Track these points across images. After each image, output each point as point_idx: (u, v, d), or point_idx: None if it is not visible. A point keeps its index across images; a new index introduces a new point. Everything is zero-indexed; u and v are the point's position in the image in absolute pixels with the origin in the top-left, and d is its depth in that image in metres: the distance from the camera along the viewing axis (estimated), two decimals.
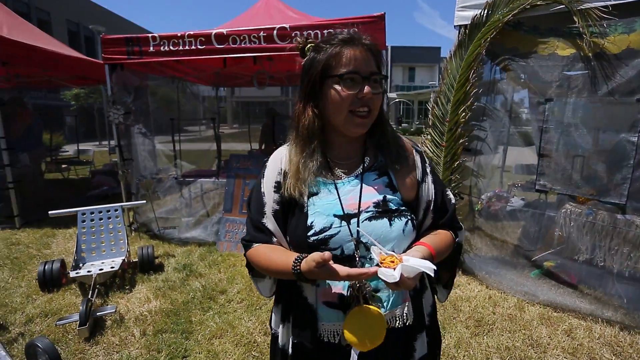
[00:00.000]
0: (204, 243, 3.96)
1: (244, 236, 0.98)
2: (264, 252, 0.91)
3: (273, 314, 1.02)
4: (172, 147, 4.90)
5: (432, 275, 0.73)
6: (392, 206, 0.88)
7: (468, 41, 2.99)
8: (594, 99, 2.66)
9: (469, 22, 2.97)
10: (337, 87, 0.83)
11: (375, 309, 0.82)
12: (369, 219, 0.86)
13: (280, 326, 0.97)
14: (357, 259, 0.85)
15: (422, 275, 0.96)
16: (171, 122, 4.90)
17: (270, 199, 0.92)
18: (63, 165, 7.29)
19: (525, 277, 2.97)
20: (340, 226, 0.85)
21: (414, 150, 0.97)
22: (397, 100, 29.95)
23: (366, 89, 0.82)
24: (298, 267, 0.80)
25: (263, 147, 6.02)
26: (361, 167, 0.92)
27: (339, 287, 0.87)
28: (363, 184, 0.89)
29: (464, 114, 3.00)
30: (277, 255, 0.88)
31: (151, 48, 3.72)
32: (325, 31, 3.46)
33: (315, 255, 0.76)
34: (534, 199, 3.39)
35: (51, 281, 2.87)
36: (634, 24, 2.39)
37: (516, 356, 2.16)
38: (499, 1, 2.81)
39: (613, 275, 2.58)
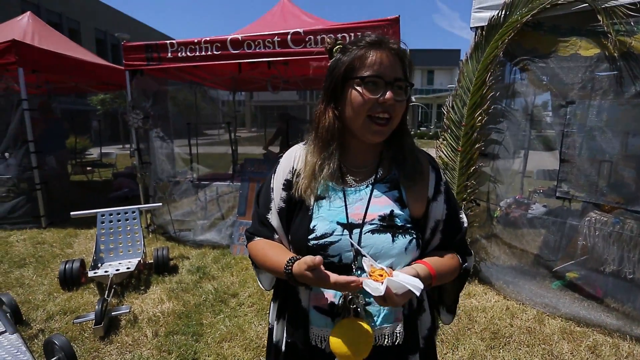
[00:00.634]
0: (218, 246, 4.01)
1: (248, 227, 0.99)
2: (262, 247, 0.92)
3: (271, 308, 1.03)
4: (189, 151, 5.00)
5: (417, 294, 0.70)
6: (399, 222, 0.85)
7: (485, 43, 2.91)
8: (621, 101, 2.52)
9: (486, 24, 2.89)
10: (359, 89, 0.81)
11: (364, 324, 0.80)
12: (372, 231, 0.84)
13: (276, 322, 0.98)
14: (354, 269, 0.83)
15: (421, 298, 0.93)
16: (187, 126, 5.01)
17: (277, 195, 0.92)
18: (88, 168, 7.60)
19: (545, 288, 2.84)
20: (342, 235, 0.83)
21: (430, 166, 0.93)
22: (414, 103, 29.56)
23: (388, 94, 0.79)
24: (290, 268, 0.80)
25: (271, 148, 6.04)
26: (373, 177, 0.89)
27: (331, 295, 0.86)
28: (372, 195, 0.87)
29: (480, 117, 2.91)
30: (273, 252, 0.88)
31: (169, 54, 3.82)
32: (339, 35, 3.45)
33: (307, 258, 0.75)
34: (557, 206, 3.25)
35: (71, 280, 2.98)
36: None
37: None
38: (518, 1, 2.72)
39: None
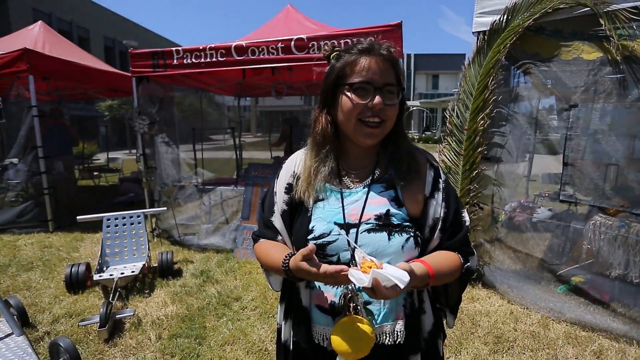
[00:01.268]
0: (222, 250, 4.03)
1: (254, 230, 1.04)
2: (265, 248, 0.96)
3: (279, 308, 1.05)
4: (194, 156, 5.06)
5: (401, 287, 0.70)
6: (395, 221, 0.86)
7: (487, 47, 2.92)
8: (624, 104, 2.51)
9: (488, 28, 2.90)
10: (349, 95, 0.84)
11: (365, 321, 0.81)
12: (368, 231, 0.86)
13: (284, 322, 1.01)
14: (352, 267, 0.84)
15: (422, 299, 0.93)
16: (192, 131, 5.07)
17: (280, 199, 0.96)
18: (95, 173, 7.70)
19: (550, 293, 2.81)
20: (339, 234, 0.86)
21: (427, 165, 0.94)
22: (416, 108, 29.54)
23: (377, 99, 0.82)
24: (287, 263, 0.83)
25: (276, 153, 6.08)
26: (370, 178, 0.91)
27: (331, 294, 0.88)
28: (369, 196, 0.89)
29: (482, 121, 2.91)
30: (275, 251, 0.92)
31: (175, 61, 3.89)
32: (342, 41, 3.49)
33: (302, 250, 0.78)
34: (563, 209, 3.22)
35: (77, 283, 3.02)
36: None
37: None
38: (519, 6, 2.74)
39: None
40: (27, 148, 4.75)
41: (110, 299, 2.59)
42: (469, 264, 0.91)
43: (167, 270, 3.32)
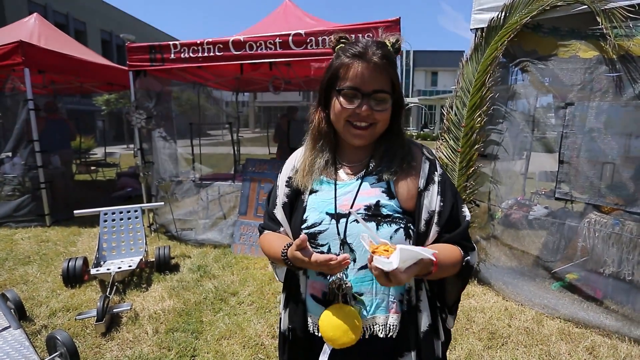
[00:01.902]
0: (219, 245, 4.04)
1: (261, 223, 1.09)
2: (268, 239, 1.01)
3: (281, 297, 1.08)
4: (191, 151, 5.05)
5: (433, 259, 0.71)
6: (385, 211, 0.87)
7: (485, 44, 2.92)
8: (620, 103, 2.52)
9: (486, 25, 2.90)
10: (339, 99, 0.88)
11: (352, 309, 0.83)
12: (357, 220, 0.86)
13: (283, 311, 1.03)
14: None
15: (418, 296, 0.92)
16: (190, 126, 5.05)
17: (282, 192, 1.01)
18: (92, 167, 7.67)
19: (545, 290, 2.84)
20: (330, 224, 0.89)
21: (422, 158, 0.94)
22: (415, 105, 29.52)
23: (363, 107, 0.85)
24: (285, 252, 0.88)
25: (277, 149, 6.02)
26: (364, 171, 0.93)
27: (323, 284, 0.90)
28: (361, 187, 0.91)
29: (479, 119, 2.92)
30: (277, 242, 0.96)
31: (172, 55, 3.87)
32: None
33: (296, 240, 0.81)
34: (558, 207, 3.24)
35: (74, 277, 3.02)
36: None
37: None
38: (517, 3, 2.73)
39: None
40: (22, 142, 4.72)
41: (107, 293, 2.59)
42: (468, 257, 0.90)
43: (164, 265, 3.32)
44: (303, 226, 0.92)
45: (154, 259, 3.35)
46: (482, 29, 2.95)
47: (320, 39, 3.47)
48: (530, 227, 3.18)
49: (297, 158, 1.02)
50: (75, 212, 3.20)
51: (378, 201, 0.88)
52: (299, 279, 0.96)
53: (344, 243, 0.87)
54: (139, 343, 2.32)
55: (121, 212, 3.37)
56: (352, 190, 0.91)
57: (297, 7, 5.14)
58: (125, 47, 4.08)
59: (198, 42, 3.77)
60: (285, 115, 6.12)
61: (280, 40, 3.57)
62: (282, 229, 1.00)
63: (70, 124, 6.29)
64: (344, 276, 0.86)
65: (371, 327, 0.88)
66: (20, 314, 2.49)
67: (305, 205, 0.93)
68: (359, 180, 0.92)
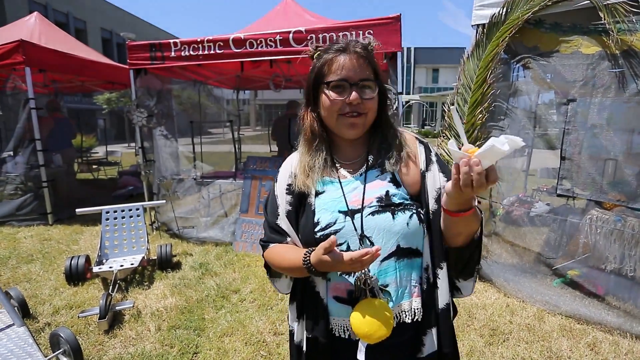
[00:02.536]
0: (220, 243, 4.05)
1: (261, 237, 1.04)
2: (278, 252, 0.96)
3: (289, 311, 1.06)
4: (192, 149, 5.05)
5: (522, 144, 0.66)
6: (396, 200, 0.89)
7: (486, 41, 2.91)
8: (622, 99, 2.51)
9: (487, 21, 2.89)
10: (328, 93, 0.89)
11: (382, 301, 0.84)
12: (372, 213, 0.88)
13: (296, 323, 1.01)
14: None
15: (435, 274, 0.91)
16: (191, 124, 5.06)
17: (283, 200, 0.98)
18: (93, 166, 7.69)
19: (546, 286, 2.84)
20: (345, 221, 0.89)
21: (417, 142, 0.97)
22: (416, 101, 29.43)
23: (353, 95, 0.86)
24: (308, 259, 0.85)
25: (276, 148, 5.95)
26: (365, 165, 0.94)
27: (347, 283, 0.90)
28: (366, 181, 0.92)
29: (481, 115, 2.91)
30: (290, 253, 0.93)
31: (173, 53, 3.86)
32: (341, 33, 3.47)
33: (323, 243, 0.80)
34: (560, 204, 3.23)
35: (77, 275, 3.03)
36: None
37: None
38: None
39: None
40: (24, 141, 4.73)
41: (109, 291, 2.61)
42: (479, 206, 0.88)
43: (166, 263, 3.34)
44: (316, 229, 0.90)
45: (155, 257, 3.36)
46: (484, 25, 2.93)
47: (321, 36, 3.47)
48: (531, 224, 3.18)
49: (293, 164, 1.00)
50: (77, 210, 3.21)
51: (387, 191, 0.90)
52: (317, 285, 0.93)
53: (362, 237, 0.88)
54: (142, 340, 2.33)
55: (123, 211, 3.38)
56: (359, 186, 0.92)
57: (297, 4, 5.13)
58: (126, 46, 4.08)
59: (198, 40, 3.77)
60: (284, 116, 6.08)
61: (281, 38, 3.56)
62: (289, 239, 0.97)
63: (72, 123, 6.31)
64: (367, 270, 0.86)
65: (398, 315, 0.90)
66: (24, 312, 2.50)
67: (314, 208, 0.92)
68: (363, 176, 0.93)
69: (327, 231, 0.89)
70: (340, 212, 0.90)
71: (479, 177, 0.68)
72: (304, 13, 4.91)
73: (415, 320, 0.90)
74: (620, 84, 2.43)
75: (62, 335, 2.01)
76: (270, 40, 3.60)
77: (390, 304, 0.87)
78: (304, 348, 0.97)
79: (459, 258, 0.92)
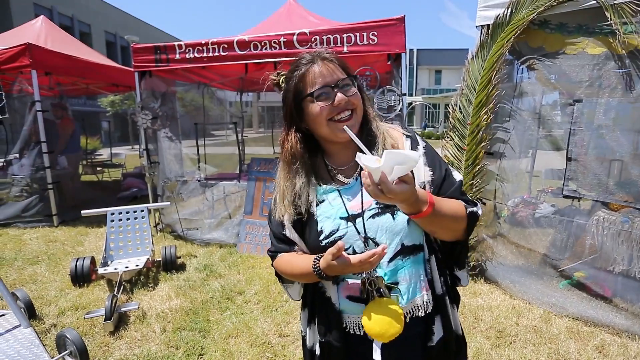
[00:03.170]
0: (225, 244, 4.06)
1: (269, 248, 1.05)
2: (287, 261, 0.99)
3: (301, 316, 1.07)
4: (196, 151, 5.07)
5: (415, 163, 0.70)
6: None
7: (490, 41, 2.90)
8: (629, 99, 2.49)
9: (492, 22, 2.88)
10: (314, 104, 0.89)
11: (390, 300, 0.85)
12: (373, 216, 0.90)
13: (308, 329, 1.02)
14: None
15: (431, 265, 0.93)
16: (195, 126, 5.07)
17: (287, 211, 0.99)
18: (98, 168, 7.73)
19: (553, 288, 2.81)
20: (347, 227, 0.91)
21: (403, 137, 0.98)
22: (419, 103, 29.39)
23: (338, 96, 0.88)
24: (318, 265, 0.88)
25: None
26: (358, 169, 0.95)
27: (358, 282, 0.91)
28: (362, 185, 0.91)
29: (485, 116, 2.90)
30: (299, 261, 0.95)
31: (177, 55, 3.89)
32: (345, 35, 3.47)
33: (331, 249, 0.82)
34: (566, 205, 3.21)
35: (82, 277, 3.05)
36: None
37: None
38: None
39: None
40: (30, 143, 4.77)
41: (115, 293, 2.61)
42: (474, 209, 0.91)
43: (171, 265, 3.34)
44: (321, 237, 0.92)
45: (160, 259, 3.37)
46: (488, 25, 2.93)
47: (324, 37, 3.48)
48: (537, 225, 3.16)
49: None
50: (82, 212, 3.23)
51: None
52: (327, 290, 0.95)
53: (367, 239, 0.89)
54: (147, 342, 2.33)
55: (127, 212, 3.40)
56: (357, 190, 0.93)
57: (301, 6, 5.14)
58: (131, 48, 4.11)
59: (203, 42, 3.79)
60: None
61: (285, 40, 3.58)
62: (296, 247, 0.99)
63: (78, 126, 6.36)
64: (373, 271, 0.87)
65: (412, 310, 0.92)
66: (30, 313, 2.51)
67: (317, 218, 0.94)
68: (358, 179, 0.94)
69: (331, 238, 0.91)
70: (341, 218, 0.92)
71: (373, 189, 0.73)
72: (308, 15, 4.92)
73: (427, 312, 0.93)
74: (626, 85, 2.42)
75: (68, 336, 2.01)
76: (275, 42, 3.61)
77: (403, 302, 0.89)
78: (317, 352, 0.99)
79: (452, 251, 0.97)
